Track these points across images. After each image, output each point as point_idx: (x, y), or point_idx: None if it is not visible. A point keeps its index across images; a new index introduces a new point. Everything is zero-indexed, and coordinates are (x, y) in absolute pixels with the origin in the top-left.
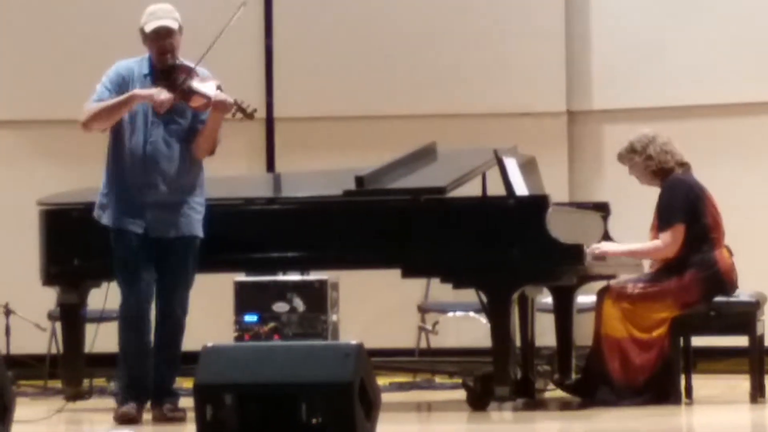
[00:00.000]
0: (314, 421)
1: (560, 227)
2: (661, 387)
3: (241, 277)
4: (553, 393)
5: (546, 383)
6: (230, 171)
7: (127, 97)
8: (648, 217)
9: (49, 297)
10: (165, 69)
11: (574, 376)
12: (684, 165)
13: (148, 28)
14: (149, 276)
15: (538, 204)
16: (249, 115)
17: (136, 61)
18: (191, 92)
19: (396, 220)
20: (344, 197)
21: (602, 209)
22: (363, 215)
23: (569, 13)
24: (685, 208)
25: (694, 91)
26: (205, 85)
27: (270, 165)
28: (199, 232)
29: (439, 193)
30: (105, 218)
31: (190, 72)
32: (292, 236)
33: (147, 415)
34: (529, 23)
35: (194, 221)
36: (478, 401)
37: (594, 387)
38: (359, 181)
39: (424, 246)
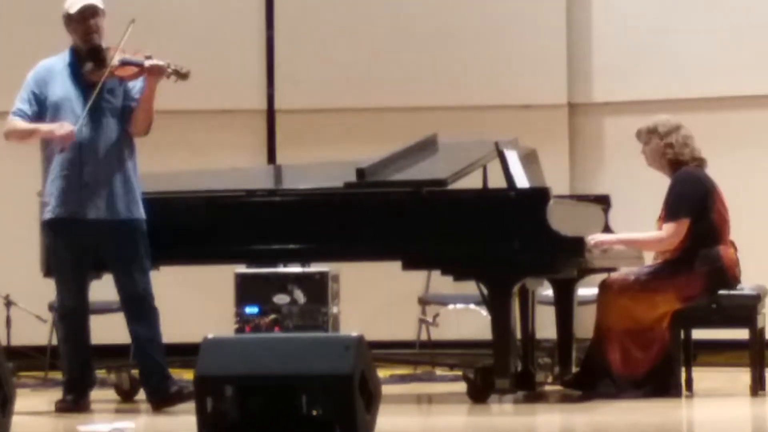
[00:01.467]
0: (314, 412)
1: (561, 220)
2: (661, 380)
3: (242, 269)
4: (554, 386)
5: (546, 376)
6: (231, 163)
7: (30, 129)
8: (649, 210)
9: (49, 289)
10: (92, 49)
11: (574, 368)
12: (699, 160)
13: (74, 9)
14: (87, 270)
15: (538, 196)
16: (183, 76)
17: (57, 57)
18: (123, 64)
19: (397, 212)
20: (345, 189)
21: (603, 202)
22: (364, 207)
23: (570, 5)
24: (694, 203)
25: (696, 83)
26: (135, 56)
27: (271, 157)
28: (143, 214)
29: (439, 186)
30: (46, 212)
31: (116, 49)
32: (292, 228)
33: (144, 404)
34: (531, 15)
35: (133, 204)
36: (479, 393)
37: (594, 380)
38: (360, 173)
39: (424, 238)
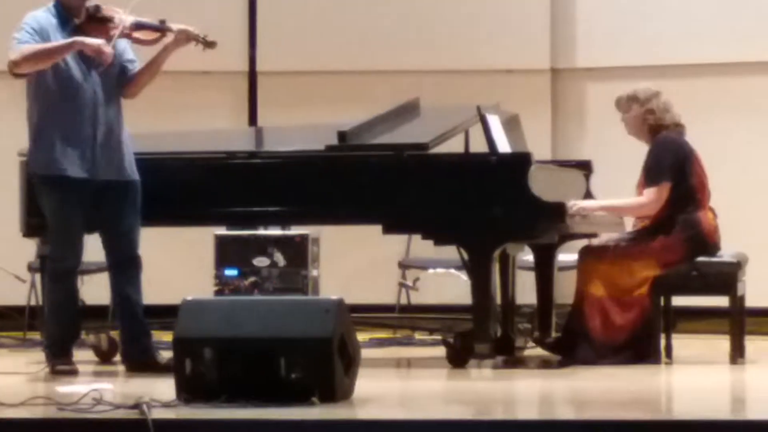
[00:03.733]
0: (293, 375)
1: (542, 185)
2: (641, 346)
3: (222, 231)
4: (533, 351)
5: (526, 341)
6: (212, 125)
7: (69, 42)
8: (630, 176)
9: (28, 248)
10: (93, 8)
11: (554, 334)
12: (679, 126)
13: None
14: (83, 226)
15: (520, 161)
16: (210, 44)
17: (42, 12)
18: (138, 26)
19: (378, 175)
20: (326, 152)
21: (585, 167)
22: (345, 170)
23: None
24: (674, 167)
25: (679, 49)
26: (150, 19)
27: (252, 119)
28: (137, 176)
29: (421, 150)
30: (40, 167)
31: (116, 9)
32: (273, 191)
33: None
34: None
35: (133, 165)
36: (458, 358)
37: (574, 345)
38: (341, 136)
39: (405, 202)
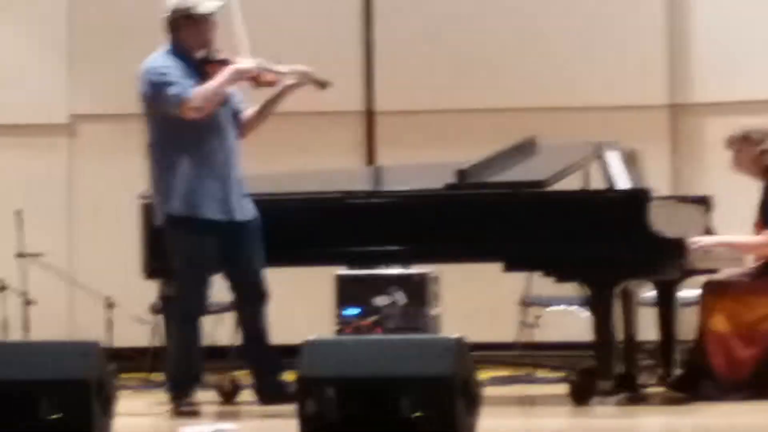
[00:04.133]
0: (415, 415)
1: (662, 221)
2: (765, 381)
3: (343, 271)
4: (656, 387)
5: (649, 378)
6: (331, 164)
7: (231, 73)
8: (750, 212)
9: (149, 290)
10: (210, 52)
11: (677, 370)
12: None
13: (202, 9)
14: (214, 269)
15: (639, 197)
16: (323, 85)
17: (164, 56)
18: (262, 69)
19: (497, 213)
20: (445, 191)
21: (704, 203)
22: (464, 209)
23: (672, 5)
24: None
25: None
26: (264, 62)
27: (370, 158)
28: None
29: (539, 187)
30: (177, 209)
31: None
32: (392, 230)
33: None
34: (631, 15)
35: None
36: (581, 395)
37: (697, 382)
38: (461, 174)
39: (526, 239)
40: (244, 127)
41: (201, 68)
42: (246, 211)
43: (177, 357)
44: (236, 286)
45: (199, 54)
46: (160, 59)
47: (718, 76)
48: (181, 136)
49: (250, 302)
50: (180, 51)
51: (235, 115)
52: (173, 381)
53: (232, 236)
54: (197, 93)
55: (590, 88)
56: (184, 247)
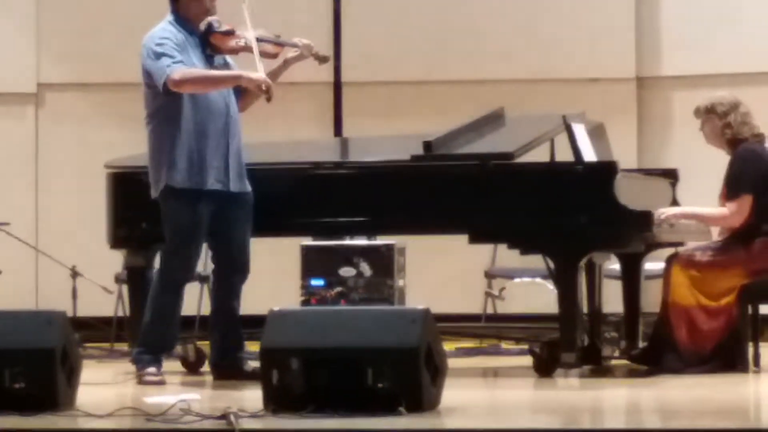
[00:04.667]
0: (380, 385)
1: (628, 194)
2: (728, 355)
3: (308, 241)
4: (620, 360)
5: (613, 350)
6: (298, 135)
7: (235, 75)
8: (717, 184)
9: (114, 260)
10: (211, 22)
11: (641, 343)
12: (758, 136)
13: None
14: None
15: (606, 170)
16: (323, 59)
17: (168, 26)
18: (262, 41)
19: (464, 185)
20: (412, 162)
21: (671, 176)
22: (431, 180)
23: None
24: (755, 179)
25: (764, 57)
26: (267, 33)
27: (338, 129)
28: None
29: (506, 159)
30: (177, 181)
31: (228, 24)
32: (359, 201)
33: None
34: None
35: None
36: (545, 367)
37: (661, 354)
38: (427, 146)
39: (491, 211)
40: (244, 100)
41: (205, 39)
42: (242, 183)
43: (152, 324)
44: (220, 257)
45: (203, 25)
46: (161, 30)
47: (685, 50)
48: (180, 107)
49: (229, 276)
50: (182, 21)
51: (238, 87)
52: (144, 348)
53: (225, 207)
54: (185, 74)
55: (558, 60)
56: (182, 217)
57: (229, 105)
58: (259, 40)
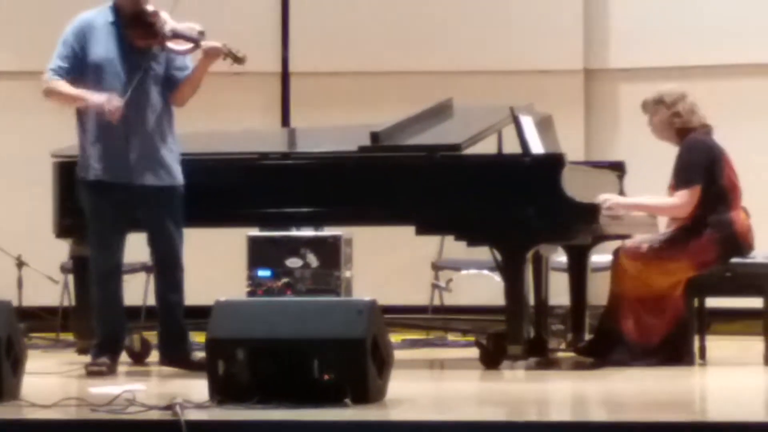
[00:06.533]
0: (326, 377)
1: (575, 186)
2: (674, 348)
3: (255, 232)
4: (566, 352)
5: (559, 342)
6: (245, 125)
7: (80, 96)
8: (663, 177)
9: (61, 249)
10: (137, 13)
11: (587, 335)
12: (706, 127)
13: None
14: (124, 231)
15: (553, 162)
16: (239, 60)
17: (96, 12)
18: (175, 35)
19: (411, 176)
20: (359, 153)
21: (618, 168)
22: (378, 171)
23: None
24: (703, 169)
25: (714, 50)
26: (189, 29)
27: (285, 120)
28: (181, 180)
29: (454, 150)
30: (89, 173)
31: (160, 16)
32: (306, 191)
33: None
34: None
35: (178, 170)
36: (491, 359)
37: (607, 347)
38: (374, 137)
39: (438, 203)
40: (174, 95)
41: (129, 29)
42: (156, 177)
43: (95, 315)
44: (152, 252)
45: (129, 10)
46: (79, 19)
47: (633, 42)
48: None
49: (163, 270)
50: (116, 10)
51: (169, 80)
52: (94, 339)
53: (141, 199)
54: (52, 86)
55: (506, 52)
56: (87, 209)
57: (139, 99)
58: (173, 34)
